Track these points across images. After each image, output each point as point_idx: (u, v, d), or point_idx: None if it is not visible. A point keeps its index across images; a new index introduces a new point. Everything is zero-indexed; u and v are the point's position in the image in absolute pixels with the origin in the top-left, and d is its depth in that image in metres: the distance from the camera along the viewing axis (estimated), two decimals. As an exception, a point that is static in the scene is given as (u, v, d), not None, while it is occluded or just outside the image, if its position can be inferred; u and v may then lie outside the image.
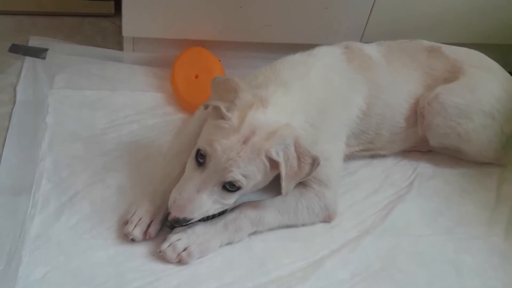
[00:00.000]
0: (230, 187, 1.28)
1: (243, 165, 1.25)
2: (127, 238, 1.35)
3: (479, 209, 1.64)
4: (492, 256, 1.51)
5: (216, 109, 1.29)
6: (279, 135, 1.27)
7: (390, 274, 1.42)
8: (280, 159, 1.27)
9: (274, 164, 1.28)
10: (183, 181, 1.32)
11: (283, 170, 1.28)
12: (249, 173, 1.27)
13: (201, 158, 1.28)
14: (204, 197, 1.28)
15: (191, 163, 1.32)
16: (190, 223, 1.32)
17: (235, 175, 1.26)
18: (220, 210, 1.35)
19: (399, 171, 1.72)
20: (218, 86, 1.37)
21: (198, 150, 1.29)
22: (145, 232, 1.36)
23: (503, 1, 2.00)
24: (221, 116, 1.28)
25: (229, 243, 1.40)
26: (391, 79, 1.64)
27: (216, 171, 1.26)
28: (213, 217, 1.37)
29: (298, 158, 1.30)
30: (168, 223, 1.38)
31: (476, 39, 2.04)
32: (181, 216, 1.28)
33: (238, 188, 1.29)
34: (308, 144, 1.34)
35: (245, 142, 1.26)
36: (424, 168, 1.74)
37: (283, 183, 1.30)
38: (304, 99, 1.41)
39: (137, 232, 1.35)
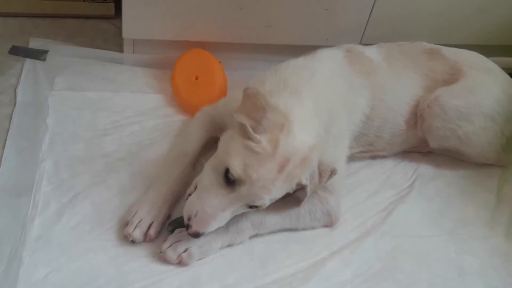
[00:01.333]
0: (254, 207, 1.28)
1: (275, 193, 1.26)
2: (127, 239, 1.35)
3: (480, 210, 1.64)
4: (493, 256, 1.51)
5: (243, 126, 1.24)
6: (309, 161, 1.28)
7: (391, 275, 1.42)
8: (308, 182, 1.31)
9: (300, 184, 1.30)
10: (206, 194, 1.26)
11: (309, 191, 1.33)
12: (277, 197, 1.28)
13: (231, 180, 1.23)
14: (227, 215, 1.28)
15: (216, 177, 1.26)
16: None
17: (266, 201, 1.26)
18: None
19: (400, 172, 1.72)
20: (247, 99, 1.28)
21: (228, 170, 1.23)
22: (146, 234, 1.36)
23: (503, 2, 2.00)
24: (247, 136, 1.23)
25: (230, 245, 1.39)
26: (393, 82, 1.64)
27: (247, 196, 1.24)
28: None
29: (320, 174, 1.34)
30: (170, 228, 1.38)
31: (476, 41, 2.04)
32: (202, 231, 1.26)
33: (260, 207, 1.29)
34: (324, 150, 1.36)
35: (279, 170, 1.23)
36: (425, 169, 1.74)
37: (306, 199, 1.36)
38: (315, 105, 1.40)
39: (137, 234, 1.35)
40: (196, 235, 1.27)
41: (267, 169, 1.22)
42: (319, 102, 1.42)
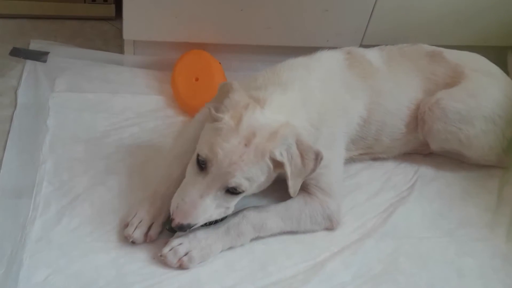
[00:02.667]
0: (233, 190, 1.28)
1: (246, 169, 1.25)
2: (127, 240, 1.35)
3: (480, 211, 1.64)
4: (494, 258, 1.51)
5: (209, 111, 1.29)
6: (281, 135, 1.26)
7: (391, 277, 1.42)
8: (284, 159, 1.27)
9: (277, 164, 1.27)
10: (184, 186, 1.31)
11: (288, 170, 1.28)
12: (253, 176, 1.26)
13: (202, 163, 1.27)
14: (207, 202, 1.27)
15: (192, 168, 1.31)
16: (193, 229, 1.32)
17: (238, 179, 1.25)
18: (223, 215, 1.34)
19: (400, 173, 1.72)
20: (218, 91, 1.36)
21: (199, 155, 1.28)
22: (146, 235, 1.36)
23: (503, 3, 2.00)
24: (213, 119, 1.28)
25: (230, 248, 1.39)
26: (392, 85, 1.64)
27: (219, 176, 1.25)
28: (215, 222, 1.36)
29: (302, 156, 1.29)
30: (168, 226, 1.38)
31: (477, 42, 2.05)
32: (185, 222, 1.27)
33: (242, 191, 1.28)
34: (311, 142, 1.33)
35: (246, 144, 1.25)
36: (425, 170, 1.74)
37: (290, 182, 1.30)
38: (304, 99, 1.41)
39: (137, 235, 1.35)
40: (180, 227, 1.27)
41: (232, 143, 1.23)
42: (309, 99, 1.42)
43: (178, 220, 1.27)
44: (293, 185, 1.31)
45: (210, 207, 1.28)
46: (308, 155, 1.30)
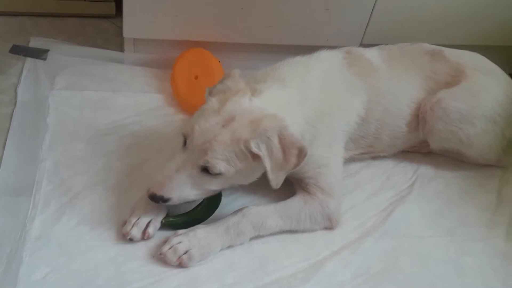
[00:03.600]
0: (209, 170, 1.28)
1: (219, 150, 1.25)
2: (126, 238, 1.35)
3: (480, 210, 1.64)
4: (493, 257, 1.51)
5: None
6: (262, 127, 1.25)
7: (391, 276, 1.42)
8: (262, 152, 1.26)
9: (255, 155, 1.27)
10: (167, 161, 1.33)
11: (267, 163, 1.27)
12: (227, 159, 1.26)
13: (184, 139, 1.30)
14: (183, 177, 1.29)
15: (178, 146, 1.34)
16: (168, 204, 1.32)
17: (211, 158, 1.25)
18: (203, 196, 1.35)
19: (400, 172, 1.72)
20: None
21: (182, 133, 1.31)
22: (144, 232, 1.36)
23: (504, 3, 2.00)
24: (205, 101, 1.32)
25: (230, 247, 1.39)
26: (392, 84, 1.64)
27: (194, 153, 1.27)
28: (209, 214, 1.38)
29: (283, 150, 1.28)
30: (163, 220, 1.39)
31: (478, 41, 2.04)
32: (158, 193, 1.29)
33: (218, 173, 1.28)
34: (307, 142, 1.33)
35: (224, 126, 1.26)
36: (425, 169, 1.74)
37: (270, 176, 1.29)
38: (301, 96, 1.41)
39: (135, 232, 1.35)
40: (153, 197, 1.29)
41: (210, 122, 1.26)
42: (307, 96, 1.42)
43: (152, 190, 1.29)
44: (274, 179, 1.30)
45: (186, 184, 1.30)
46: (290, 150, 1.28)
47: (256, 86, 1.36)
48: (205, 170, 1.28)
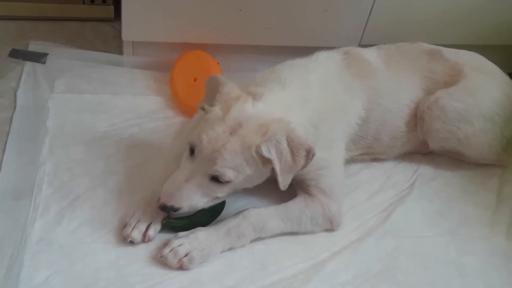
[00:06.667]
0: (218, 179, 1.28)
1: (229, 158, 1.25)
2: (126, 241, 1.35)
3: (480, 210, 1.64)
4: (494, 256, 1.51)
5: (204, 108, 1.32)
6: (271, 131, 1.26)
7: (392, 276, 1.42)
8: (272, 155, 1.26)
9: (266, 159, 1.27)
10: (175, 171, 1.33)
11: (277, 166, 1.27)
12: (237, 166, 1.26)
13: (192, 150, 1.29)
14: (192, 187, 1.29)
15: (185, 155, 1.33)
16: (179, 214, 1.33)
17: (221, 167, 1.25)
18: (211, 203, 1.34)
19: (400, 172, 1.72)
20: (206, 87, 1.38)
21: (189, 142, 1.30)
22: (144, 234, 1.36)
23: (502, 3, 2.00)
24: (207, 112, 1.31)
25: (231, 249, 1.39)
26: (391, 84, 1.64)
27: (203, 162, 1.26)
28: (213, 216, 1.38)
29: (292, 152, 1.29)
30: (164, 221, 1.39)
31: (476, 41, 2.05)
32: (168, 203, 1.29)
33: (227, 181, 1.28)
34: (311, 142, 1.33)
35: (231, 133, 1.26)
36: (425, 169, 1.74)
37: (279, 179, 1.29)
38: (302, 97, 1.41)
39: (135, 234, 1.35)
40: (163, 208, 1.30)
41: (217, 131, 1.25)
42: (308, 98, 1.42)
43: (162, 200, 1.29)
44: (283, 181, 1.31)
45: (195, 193, 1.30)
46: (299, 152, 1.29)
47: (256, 89, 1.36)
48: (214, 178, 1.28)
